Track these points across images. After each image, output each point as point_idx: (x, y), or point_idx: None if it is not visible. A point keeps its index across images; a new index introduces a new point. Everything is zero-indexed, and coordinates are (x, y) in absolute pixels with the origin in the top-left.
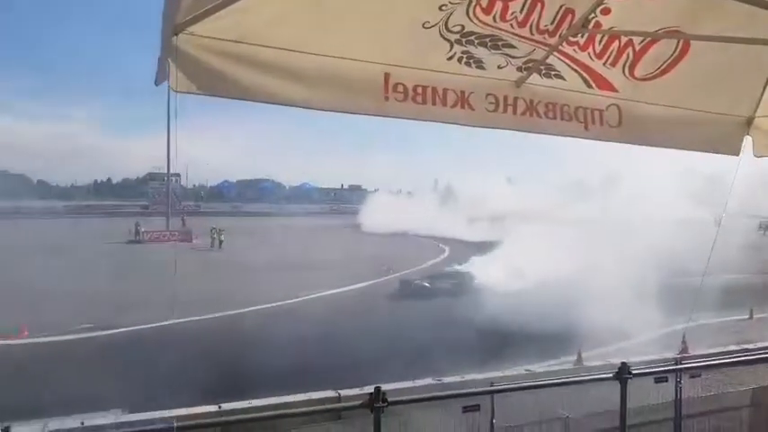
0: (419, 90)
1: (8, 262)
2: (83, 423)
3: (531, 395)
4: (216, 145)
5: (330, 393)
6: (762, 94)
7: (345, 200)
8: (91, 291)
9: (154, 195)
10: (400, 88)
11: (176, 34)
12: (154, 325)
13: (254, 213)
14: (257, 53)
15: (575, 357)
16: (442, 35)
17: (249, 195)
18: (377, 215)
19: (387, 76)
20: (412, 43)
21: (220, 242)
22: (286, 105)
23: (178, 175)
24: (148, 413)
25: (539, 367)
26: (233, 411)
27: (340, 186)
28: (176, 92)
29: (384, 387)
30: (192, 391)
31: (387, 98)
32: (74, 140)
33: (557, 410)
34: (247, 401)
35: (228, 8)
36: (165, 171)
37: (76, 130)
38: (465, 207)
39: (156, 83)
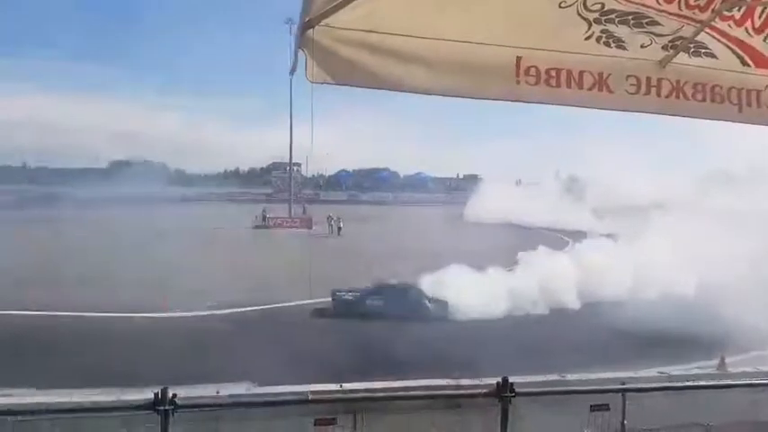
0: (552, 73)
1: (150, 244)
2: (218, 392)
3: (666, 398)
4: (335, 135)
5: (449, 381)
6: None
7: (461, 189)
8: (223, 271)
9: (277, 184)
10: (533, 71)
11: (312, 27)
12: (283, 304)
13: (370, 202)
14: (388, 42)
15: (716, 361)
16: (579, 14)
17: (366, 184)
18: (494, 204)
19: (518, 59)
20: (546, 24)
21: (339, 229)
22: (415, 93)
23: (299, 164)
24: (280, 387)
25: (674, 370)
26: (353, 391)
27: (456, 176)
28: (312, 82)
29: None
30: (315, 368)
31: (518, 82)
32: (206, 132)
33: (695, 416)
34: (368, 383)
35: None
36: (287, 161)
37: (208, 122)
38: (591, 197)
39: (291, 74)
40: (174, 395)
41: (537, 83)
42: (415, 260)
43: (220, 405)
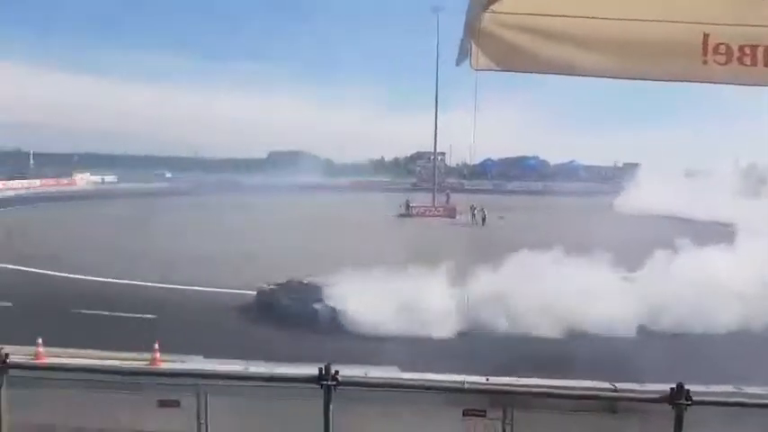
0: (746, 50)
1: (299, 229)
2: (366, 374)
3: None
4: (480, 123)
5: (605, 384)
6: None
7: (618, 179)
8: (365, 257)
9: (420, 173)
10: (722, 49)
11: (481, 15)
12: None
13: (517, 191)
14: (557, 24)
15: None
16: None
17: (512, 173)
18: (656, 195)
19: (705, 36)
20: None
21: (483, 219)
22: (586, 76)
23: (443, 153)
24: (431, 374)
25: None
26: (506, 384)
27: (613, 164)
28: (476, 70)
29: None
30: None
31: (705, 62)
32: (353, 122)
33: None
34: (519, 378)
35: None
36: (432, 150)
37: (355, 113)
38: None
39: (457, 63)
40: (337, 371)
41: (728, 61)
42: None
43: (380, 386)
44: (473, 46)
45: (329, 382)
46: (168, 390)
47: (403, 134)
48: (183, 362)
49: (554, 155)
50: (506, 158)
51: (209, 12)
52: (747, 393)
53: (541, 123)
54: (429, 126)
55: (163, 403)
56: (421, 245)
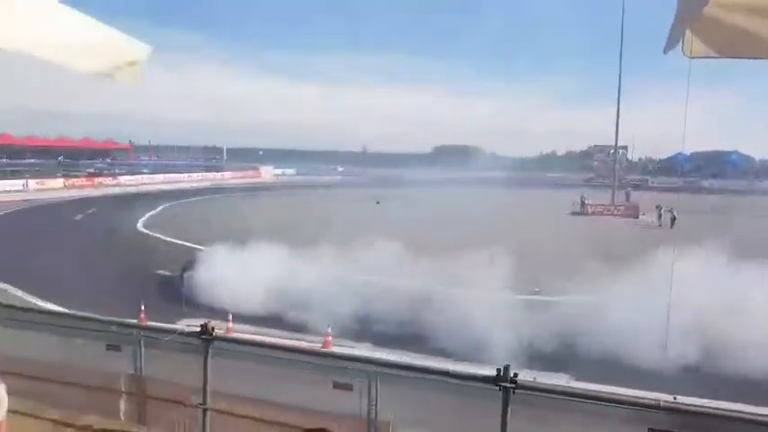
0: None
1: (465, 225)
2: (534, 379)
3: None
4: (671, 115)
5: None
6: None
7: None
8: (539, 257)
9: (598, 168)
10: None
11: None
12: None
13: (714, 190)
14: None
15: None
16: None
17: (709, 169)
18: None
19: None
20: None
21: (672, 220)
22: None
23: (625, 147)
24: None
25: None
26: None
27: None
28: (690, 57)
29: None
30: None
31: None
32: (520, 115)
33: None
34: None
35: None
36: (612, 144)
37: (522, 105)
38: None
39: (666, 51)
40: (516, 374)
41: None
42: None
43: (563, 393)
44: (687, 32)
45: (508, 385)
46: (341, 372)
47: (578, 126)
48: (352, 347)
49: (761, 149)
50: (700, 153)
51: (385, 9)
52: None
53: (743, 115)
54: (608, 118)
55: (337, 385)
56: (598, 246)
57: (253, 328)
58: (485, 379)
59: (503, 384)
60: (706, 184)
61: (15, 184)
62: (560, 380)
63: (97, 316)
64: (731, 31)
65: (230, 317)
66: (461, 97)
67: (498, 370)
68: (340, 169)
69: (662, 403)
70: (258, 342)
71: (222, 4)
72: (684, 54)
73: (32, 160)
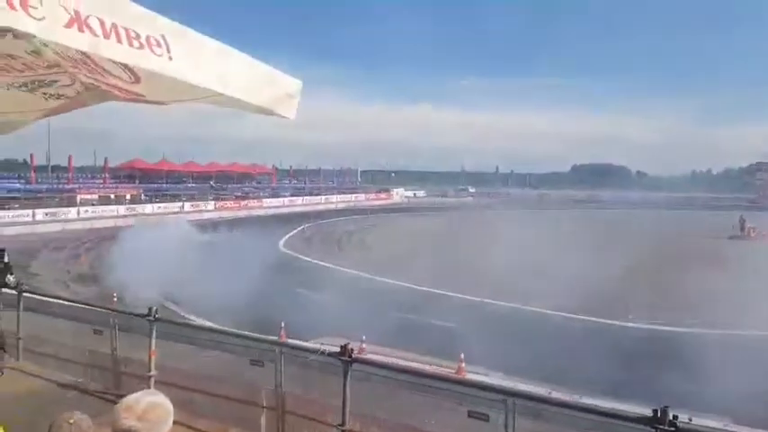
0: None
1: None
2: (690, 419)
3: None
4: None
5: None
6: None
7: None
8: (693, 286)
9: (761, 187)
10: None
11: None
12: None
13: None
14: None
15: None
16: None
17: None
18: None
19: None
20: None
21: None
22: None
23: None
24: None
25: None
26: None
27: None
28: None
29: None
30: None
31: None
32: (671, 132)
33: None
34: None
35: None
36: None
37: (675, 122)
38: None
39: None
40: (675, 416)
41: None
42: None
43: None
44: None
45: (667, 428)
46: (476, 401)
47: (740, 144)
48: (486, 375)
49: None
50: None
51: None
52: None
53: None
54: None
55: (472, 414)
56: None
57: (385, 350)
58: (639, 419)
59: (660, 427)
60: None
61: (174, 206)
62: (719, 422)
63: (243, 332)
64: None
65: (363, 338)
66: (604, 114)
67: (655, 411)
68: (472, 190)
69: None
70: (394, 366)
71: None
72: None
73: (191, 184)
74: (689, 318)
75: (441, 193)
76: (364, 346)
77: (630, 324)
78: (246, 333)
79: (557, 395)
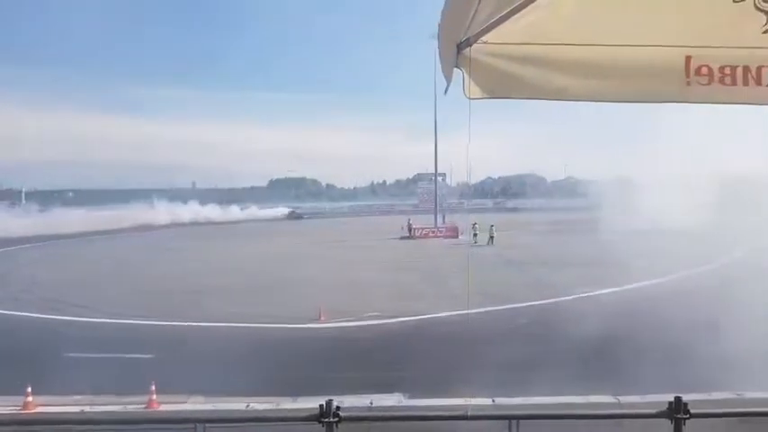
0: (727, 71)
1: (304, 255)
2: (371, 403)
3: None
4: (479, 143)
5: (608, 398)
6: None
7: (615, 193)
8: (373, 282)
9: (422, 194)
10: (704, 71)
11: (470, 45)
12: (431, 316)
13: (518, 209)
14: (550, 52)
15: None
16: (757, 7)
17: (511, 191)
18: (654, 209)
19: (688, 59)
20: (718, 21)
21: (491, 238)
22: (579, 101)
23: (444, 174)
24: (434, 399)
25: None
26: (513, 406)
27: (608, 179)
28: (470, 99)
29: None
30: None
31: (688, 83)
32: (356, 148)
33: None
34: (525, 398)
35: (519, 13)
36: (432, 172)
37: (357, 139)
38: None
39: (445, 92)
40: (338, 407)
41: (710, 82)
42: (571, 269)
43: (383, 418)
44: (465, 76)
45: (331, 419)
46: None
47: (405, 158)
48: (183, 402)
49: (551, 172)
50: (505, 177)
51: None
52: (747, 400)
53: (537, 143)
54: (430, 150)
55: None
56: (426, 266)
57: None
58: (307, 417)
59: (325, 420)
60: (510, 204)
61: None
62: (392, 400)
63: None
64: (502, 76)
65: (29, 389)
66: (300, 130)
67: (321, 406)
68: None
69: (469, 412)
70: (59, 418)
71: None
72: (465, 95)
73: None
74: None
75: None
76: (30, 399)
77: None
78: None
79: (257, 406)
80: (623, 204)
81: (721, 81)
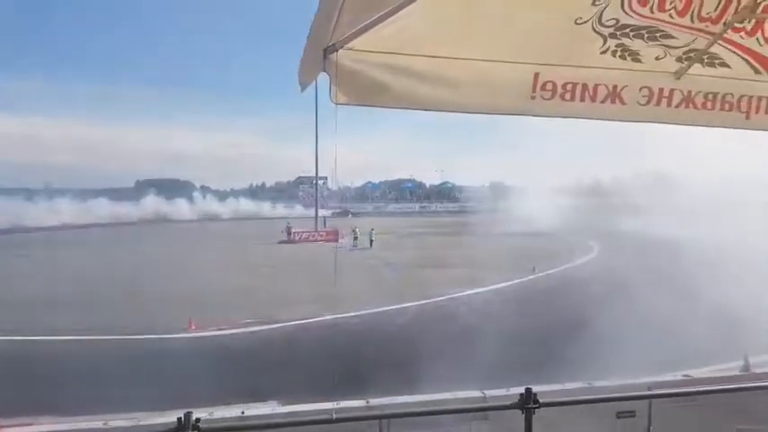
0: (568, 87)
1: (174, 262)
2: (243, 413)
3: (692, 402)
4: (359, 149)
5: (476, 393)
6: None
7: (488, 198)
8: (249, 288)
9: (303, 198)
10: (549, 86)
11: (336, 51)
12: (308, 321)
13: (397, 213)
14: (413, 63)
15: (739, 363)
16: (595, 30)
17: (391, 195)
18: (522, 213)
19: (536, 75)
20: (563, 41)
21: (371, 241)
22: (438, 111)
23: (325, 178)
24: (305, 405)
25: (698, 373)
26: (380, 406)
27: (482, 185)
28: (336, 104)
29: (534, 389)
30: (341, 386)
31: (533, 97)
32: (232, 149)
33: (722, 421)
34: (394, 397)
35: (384, 22)
36: (314, 175)
37: (235, 141)
38: (619, 203)
39: (302, 91)
40: (198, 419)
41: (552, 97)
42: (446, 270)
43: (245, 428)
44: (331, 81)
45: None
46: None
47: (286, 160)
48: (29, 425)
49: (429, 177)
50: (385, 181)
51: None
52: (595, 388)
53: (415, 149)
54: (311, 153)
55: None
56: (304, 271)
57: None
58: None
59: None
60: (390, 208)
61: None
62: (267, 408)
63: None
64: (366, 83)
65: None
66: (172, 129)
67: (179, 419)
68: None
69: (334, 415)
70: None
71: None
72: (331, 100)
73: None
74: None
75: None
76: None
77: None
78: None
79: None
80: (496, 208)
81: (562, 96)
